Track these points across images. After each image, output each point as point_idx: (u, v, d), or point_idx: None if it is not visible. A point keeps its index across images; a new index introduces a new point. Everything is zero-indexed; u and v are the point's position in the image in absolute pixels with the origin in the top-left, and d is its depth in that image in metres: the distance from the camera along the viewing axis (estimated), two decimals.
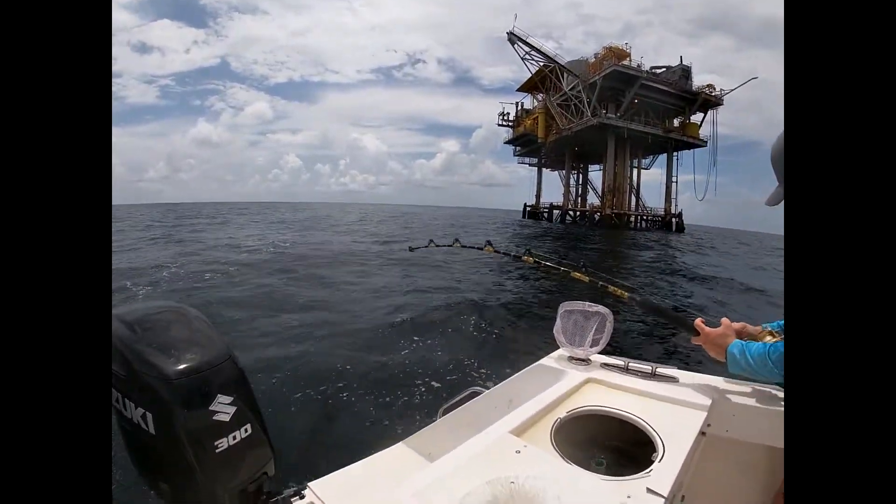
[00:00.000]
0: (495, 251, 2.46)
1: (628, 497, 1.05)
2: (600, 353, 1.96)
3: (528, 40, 51.19)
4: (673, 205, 55.93)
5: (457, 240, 3.10)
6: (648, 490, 1.09)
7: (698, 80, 51.08)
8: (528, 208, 70.23)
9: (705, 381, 1.77)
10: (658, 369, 1.82)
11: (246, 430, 1.21)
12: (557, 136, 54.70)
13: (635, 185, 58.16)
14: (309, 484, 1.58)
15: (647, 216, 57.44)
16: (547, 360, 2.00)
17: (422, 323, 6.41)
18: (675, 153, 55.09)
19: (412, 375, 4.75)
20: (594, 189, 60.39)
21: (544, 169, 70.25)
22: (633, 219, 55.39)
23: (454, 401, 1.97)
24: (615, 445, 1.53)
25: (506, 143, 69.92)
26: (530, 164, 71.86)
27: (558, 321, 1.98)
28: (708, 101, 50.04)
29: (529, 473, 1.07)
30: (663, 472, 1.19)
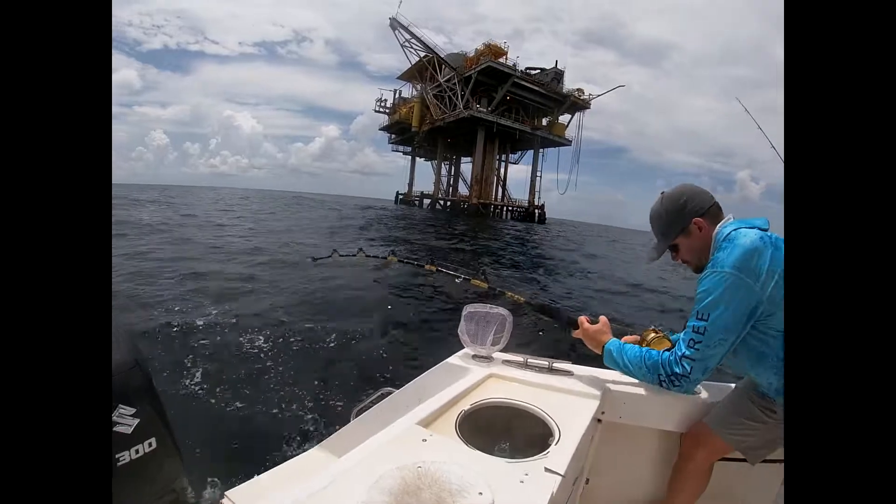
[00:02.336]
0: (399, 260, 2.54)
1: (526, 475, 1.12)
2: (501, 350, 2.08)
3: (409, 28, 51.45)
4: (536, 197, 58.99)
5: (361, 249, 3.13)
6: (546, 469, 1.18)
7: (579, 87, 54.11)
8: (400, 196, 70.76)
9: (597, 373, 1.92)
10: (554, 364, 1.95)
11: (150, 444, 1.17)
12: (431, 125, 55.50)
13: (503, 177, 60.55)
14: (226, 493, 1.61)
15: (512, 206, 59.95)
16: (452, 359, 2.08)
17: (332, 329, 6.29)
18: (541, 150, 58.09)
19: (325, 381, 4.69)
20: (465, 180, 61.87)
21: (419, 159, 70.80)
22: (498, 208, 57.67)
23: (366, 402, 2.03)
24: (516, 434, 1.59)
25: (381, 129, 69.81)
26: (404, 153, 72.34)
27: (462, 322, 2.08)
28: (576, 103, 53.15)
29: (436, 459, 1.12)
30: (559, 454, 1.28)
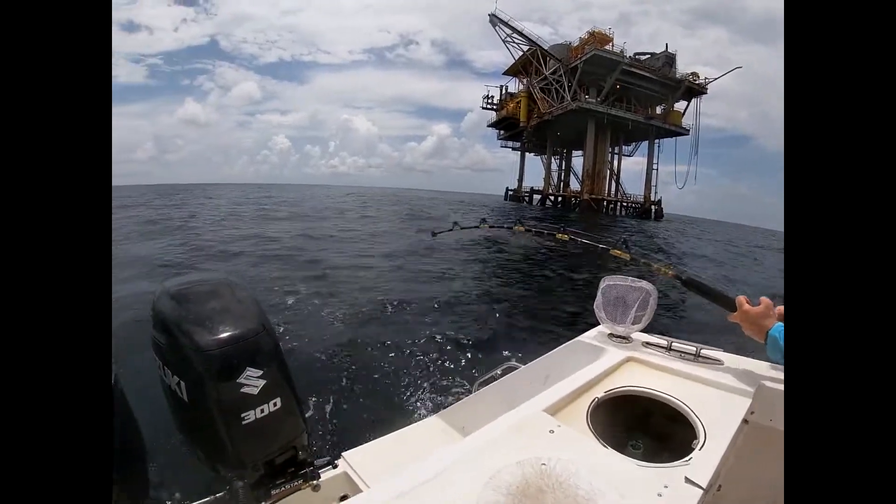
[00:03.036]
0: (527, 230, 2.38)
1: (665, 487, 1.00)
2: (642, 331, 1.90)
3: (509, 23, 51.14)
4: (653, 192, 56.42)
5: (484, 220, 3.01)
6: (687, 480, 1.05)
7: (693, 71, 51.32)
8: (509, 192, 70.66)
9: (751, 365, 1.70)
10: (703, 351, 1.75)
11: (275, 404, 1.23)
12: (539, 120, 54.87)
13: (616, 171, 58.61)
14: (343, 454, 1.61)
15: (627, 202, 57.84)
16: (586, 337, 1.94)
17: (456, 301, 6.42)
18: (656, 140, 55.48)
19: (449, 351, 4.79)
20: (576, 175, 60.76)
21: (528, 154, 70.63)
22: (611, 204, 55.77)
23: (489, 375, 1.97)
24: (654, 430, 1.49)
25: (489, 125, 70.09)
26: (513, 149, 72.20)
27: (599, 296, 1.92)
28: (692, 88, 50.21)
29: (562, 456, 1.03)
30: (703, 461, 1.15)
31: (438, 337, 5.09)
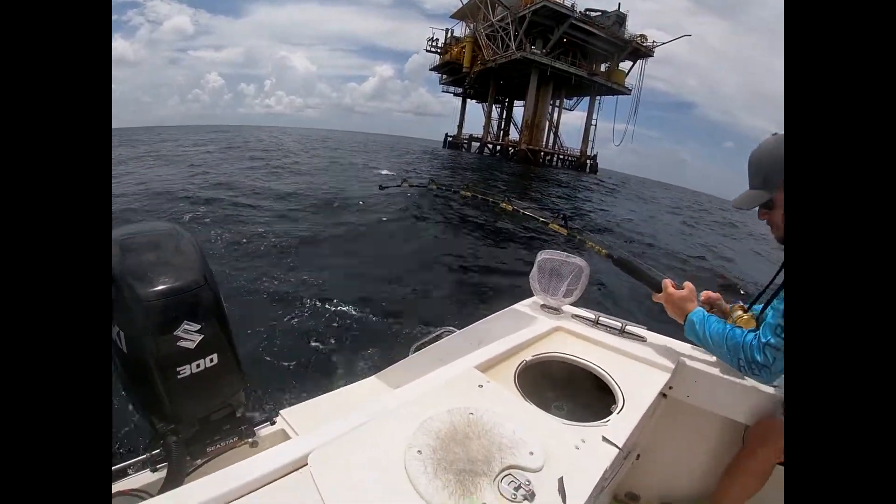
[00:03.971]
0: (473, 195, 2.40)
1: (583, 441, 1.08)
2: (573, 304, 1.98)
3: None
4: (590, 147, 57.38)
5: (432, 180, 3.00)
6: (604, 438, 1.12)
7: (642, 34, 51.24)
8: (448, 139, 69.79)
9: (672, 344, 1.80)
10: (627, 326, 1.85)
11: (212, 360, 1.23)
12: (482, 67, 54.00)
13: (555, 123, 58.98)
14: (281, 412, 1.64)
15: (564, 155, 58.54)
16: (520, 306, 2.01)
17: (397, 267, 6.42)
18: (598, 97, 55.95)
19: (389, 315, 4.84)
20: (516, 125, 60.67)
21: (472, 100, 69.75)
22: (548, 156, 56.32)
23: (427, 339, 2.01)
24: (577, 394, 1.56)
25: (431, 69, 68.56)
26: (455, 94, 71.04)
27: (535, 268, 1.98)
28: (638, 50, 50.40)
29: (489, 407, 1.09)
30: (620, 425, 1.23)
31: (378, 301, 5.14)
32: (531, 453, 0.96)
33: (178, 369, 1.17)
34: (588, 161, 56.69)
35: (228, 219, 8.86)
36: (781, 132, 1.45)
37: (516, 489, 0.87)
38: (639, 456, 1.89)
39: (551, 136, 58.56)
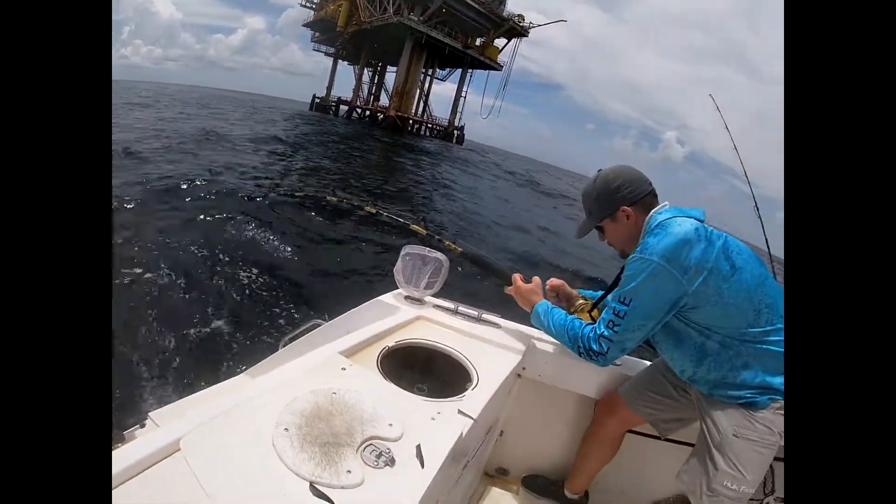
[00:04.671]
0: (339, 200, 2.46)
1: (438, 413, 1.16)
2: (434, 295, 2.12)
3: None
4: (458, 118, 58.33)
5: (298, 189, 2.97)
6: (459, 411, 1.23)
7: (520, 14, 52.34)
8: (316, 100, 67.02)
9: (525, 330, 1.98)
10: (484, 315, 2.00)
11: None
12: (357, 27, 52.68)
13: (426, 92, 59.03)
14: (150, 414, 1.62)
15: (432, 124, 58.97)
16: (384, 297, 2.10)
17: (268, 264, 6.12)
18: (470, 70, 56.76)
19: (258, 312, 4.70)
20: (387, 91, 59.74)
21: (343, 62, 67.80)
22: (417, 124, 56.33)
23: (296, 332, 2.05)
24: (436, 376, 1.65)
25: (304, 25, 65.55)
26: (327, 54, 68.46)
27: (399, 262, 2.09)
28: (514, 29, 51.42)
29: (351, 387, 1.15)
30: (474, 399, 1.34)
31: (244, 299, 5.00)
32: (391, 425, 1.04)
33: None
34: (455, 132, 57.71)
35: None
36: (601, 169, 1.70)
37: (378, 457, 0.95)
38: (502, 433, 2.08)
39: (421, 104, 58.77)
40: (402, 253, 2.11)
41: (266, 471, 0.86)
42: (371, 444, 0.98)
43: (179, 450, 0.89)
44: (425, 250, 2.11)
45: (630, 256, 1.54)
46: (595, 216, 1.69)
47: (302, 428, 0.97)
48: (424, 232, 2.13)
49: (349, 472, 0.88)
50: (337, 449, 0.94)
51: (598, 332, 1.57)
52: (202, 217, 7.59)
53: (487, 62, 54.15)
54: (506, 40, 54.02)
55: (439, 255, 2.10)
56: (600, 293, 1.91)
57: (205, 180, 9.64)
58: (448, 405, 1.25)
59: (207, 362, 3.82)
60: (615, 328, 1.52)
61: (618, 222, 1.65)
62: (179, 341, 4.08)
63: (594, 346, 1.57)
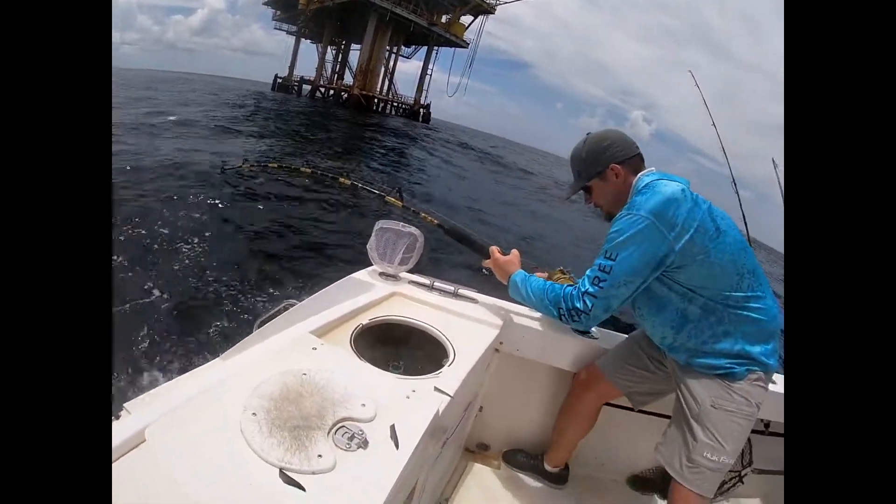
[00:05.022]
0: (312, 171, 2.39)
1: (413, 391, 1.13)
2: (410, 271, 2.09)
3: None
4: (423, 96, 57.82)
5: (276, 160, 2.89)
6: (436, 388, 1.21)
7: None
8: (278, 80, 65.75)
9: (501, 304, 1.98)
10: (460, 290, 1.99)
11: None
12: (320, 4, 51.70)
13: (391, 70, 58.33)
14: (124, 405, 1.58)
15: (398, 103, 58.38)
16: (358, 274, 2.06)
17: (240, 241, 5.99)
18: (436, 48, 56.12)
19: (232, 295, 4.59)
20: (351, 69, 58.78)
21: (306, 41, 66.42)
22: (382, 103, 55.75)
23: (269, 314, 1.99)
24: (412, 354, 1.63)
25: (265, 3, 64.05)
26: (289, 32, 67.01)
27: (372, 238, 2.05)
28: (480, 6, 50.77)
29: (322, 367, 1.12)
30: (451, 376, 1.32)
31: (216, 284, 4.89)
32: (363, 405, 1.00)
33: None
34: (421, 110, 57.15)
35: None
36: (590, 132, 1.71)
37: (350, 439, 0.91)
38: (482, 408, 2.08)
39: (386, 83, 58.05)
40: (376, 228, 2.07)
41: (234, 458, 0.83)
42: (343, 427, 0.94)
43: (145, 440, 0.85)
44: (399, 225, 2.07)
45: (617, 215, 1.54)
46: (584, 176, 1.70)
47: (270, 412, 0.93)
48: (400, 204, 2.08)
49: (320, 456, 0.85)
50: (307, 432, 0.90)
51: (582, 289, 1.56)
52: (167, 196, 7.42)
53: (453, 40, 53.57)
54: (472, 17, 53.53)
55: (413, 229, 2.06)
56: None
57: (170, 162, 9.43)
58: (424, 382, 1.22)
59: (183, 350, 3.74)
60: (600, 284, 1.52)
61: (607, 181, 1.66)
62: (154, 330, 3.99)
63: (577, 305, 1.56)
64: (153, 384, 3.10)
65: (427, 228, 2.10)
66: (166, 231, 6.06)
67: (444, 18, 53.27)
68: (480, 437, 2.20)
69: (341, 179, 2.23)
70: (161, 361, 3.58)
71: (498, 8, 52.38)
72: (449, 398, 1.19)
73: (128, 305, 4.32)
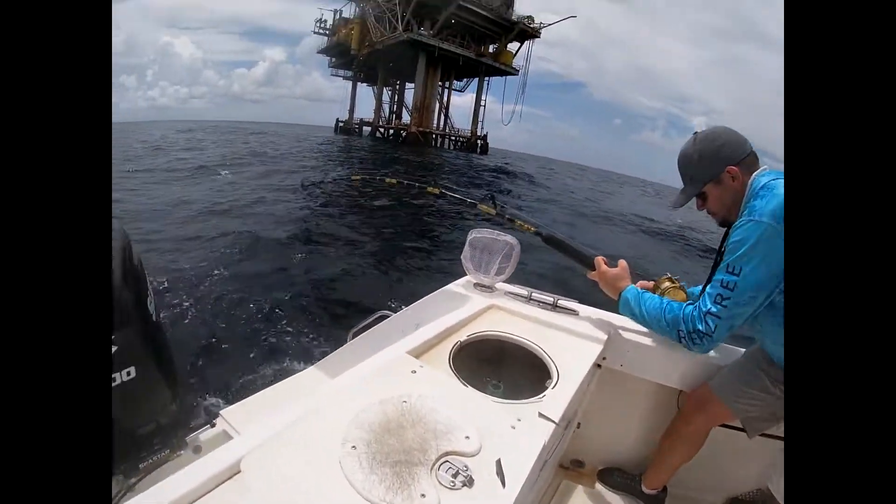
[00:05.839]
0: (398, 182, 2.36)
1: (518, 420, 1.08)
2: (506, 281, 2.00)
3: None
4: (479, 127, 58.63)
5: (356, 174, 2.90)
6: (540, 415, 1.14)
7: (529, 15, 52.49)
8: (340, 124, 68.79)
9: (604, 316, 1.86)
10: (560, 301, 1.88)
11: (129, 374, 1.11)
12: (371, 49, 53.69)
13: (445, 105, 59.55)
14: (220, 412, 1.59)
15: (454, 136, 59.40)
16: (453, 286, 2.01)
17: (329, 255, 6.23)
18: (486, 78, 57.09)
19: (325, 304, 4.73)
20: (408, 107, 60.57)
21: (362, 84, 69.39)
22: (439, 138, 56.92)
23: (363, 324, 1.97)
24: (512, 371, 1.56)
25: (319, 52, 67.45)
26: (345, 78, 70.20)
27: (466, 248, 1.98)
28: (525, 31, 51.69)
29: (423, 393, 1.08)
30: (556, 399, 1.24)
31: (312, 291, 5.03)
32: (467, 437, 0.95)
33: None
34: (478, 141, 57.94)
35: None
36: (697, 131, 1.58)
37: (454, 476, 0.86)
38: (579, 425, 1.94)
39: (442, 117, 59.24)
40: (470, 238, 1.99)
41: (333, 495, 0.79)
42: (447, 461, 0.89)
43: (240, 472, 0.84)
44: (494, 233, 1.98)
45: (736, 223, 1.41)
46: (697, 180, 1.56)
47: (371, 444, 0.89)
48: (494, 212, 1.99)
49: (423, 495, 0.80)
50: (409, 468, 0.85)
51: (704, 308, 1.44)
52: (263, 212, 7.77)
53: (503, 68, 54.50)
54: (519, 44, 54.30)
55: (509, 238, 1.97)
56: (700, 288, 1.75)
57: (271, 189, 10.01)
58: (528, 408, 1.16)
59: (276, 353, 3.83)
60: (724, 302, 1.40)
61: (723, 185, 1.52)
62: (250, 332, 4.13)
63: (699, 327, 1.44)
64: (245, 387, 3.18)
65: (523, 236, 1.99)
66: (256, 240, 6.29)
67: (491, 48, 54.28)
68: (576, 453, 2.08)
69: (429, 189, 2.17)
70: (254, 365, 3.64)
71: (542, 31, 53.10)
72: (554, 425, 1.12)
73: (224, 303, 4.52)
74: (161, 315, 1.22)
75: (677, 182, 1.64)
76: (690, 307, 1.49)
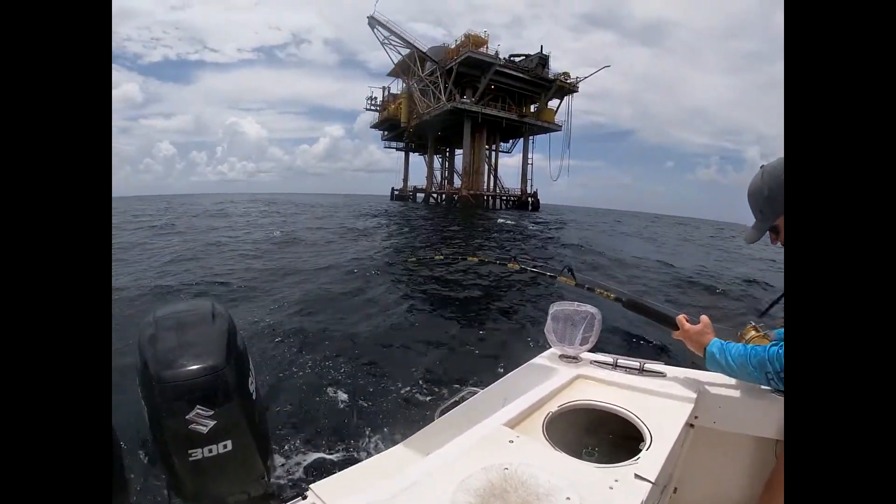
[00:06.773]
0: (480, 260, 2.44)
1: (616, 481, 1.09)
2: (590, 350, 2.01)
3: (387, 25, 51.52)
4: (529, 185, 59.05)
5: (440, 251, 3.02)
6: (636, 476, 1.14)
7: (565, 71, 53.68)
8: (395, 192, 71.81)
9: (692, 375, 1.85)
10: (646, 365, 1.88)
11: (225, 447, 1.22)
12: (418, 120, 55.63)
13: (493, 166, 60.39)
14: (311, 486, 1.61)
15: (505, 196, 59.99)
16: (539, 359, 2.03)
17: (412, 331, 6.35)
18: (531, 137, 58.02)
19: (409, 381, 4.77)
20: (458, 172, 61.90)
21: (414, 153, 71.82)
22: (490, 199, 57.69)
23: (451, 401, 1.97)
24: (605, 438, 1.57)
25: (372, 126, 70.40)
26: (397, 149, 72.82)
27: (549, 321, 2.02)
28: (563, 87, 52.69)
29: (522, 461, 1.10)
30: (650, 460, 1.24)
31: (399, 369, 5.06)
32: (568, 499, 0.97)
33: (190, 452, 1.18)
34: (529, 199, 58.28)
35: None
36: (763, 163, 1.60)
37: None
38: (676, 489, 1.90)
39: (491, 178, 60.03)
40: (552, 311, 2.04)
41: None
42: None
43: None
44: (574, 305, 2.02)
45: None
46: (768, 215, 1.57)
47: None
48: (573, 283, 2.03)
49: None
50: None
51: None
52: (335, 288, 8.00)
53: (545, 125, 55.37)
54: (559, 100, 55.21)
55: (590, 308, 2.00)
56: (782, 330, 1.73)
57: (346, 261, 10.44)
58: (623, 470, 1.17)
59: (361, 432, 3.84)
60: None
61: None
62: (333, 412, 4.16)
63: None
64: (324, 464, 3.22)
65: (604, 304, 2.01)
66: (343, 315, 6.45)
67: (532, 107, 55.35)
68: None
69: (510, 264, 2.24)
70: (341, 443, 3.66)
71: (580, 84, 53.85)
72: (651, 485, 1.13)
73: (301, 380, 4.60)
74: (261, 393, 1.33)
75: (746, 218, 1.66)
76: (775, 347, 1.47)
